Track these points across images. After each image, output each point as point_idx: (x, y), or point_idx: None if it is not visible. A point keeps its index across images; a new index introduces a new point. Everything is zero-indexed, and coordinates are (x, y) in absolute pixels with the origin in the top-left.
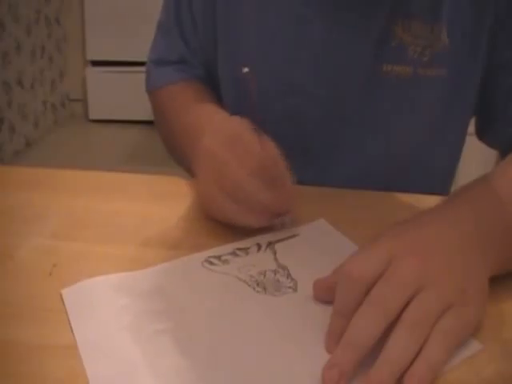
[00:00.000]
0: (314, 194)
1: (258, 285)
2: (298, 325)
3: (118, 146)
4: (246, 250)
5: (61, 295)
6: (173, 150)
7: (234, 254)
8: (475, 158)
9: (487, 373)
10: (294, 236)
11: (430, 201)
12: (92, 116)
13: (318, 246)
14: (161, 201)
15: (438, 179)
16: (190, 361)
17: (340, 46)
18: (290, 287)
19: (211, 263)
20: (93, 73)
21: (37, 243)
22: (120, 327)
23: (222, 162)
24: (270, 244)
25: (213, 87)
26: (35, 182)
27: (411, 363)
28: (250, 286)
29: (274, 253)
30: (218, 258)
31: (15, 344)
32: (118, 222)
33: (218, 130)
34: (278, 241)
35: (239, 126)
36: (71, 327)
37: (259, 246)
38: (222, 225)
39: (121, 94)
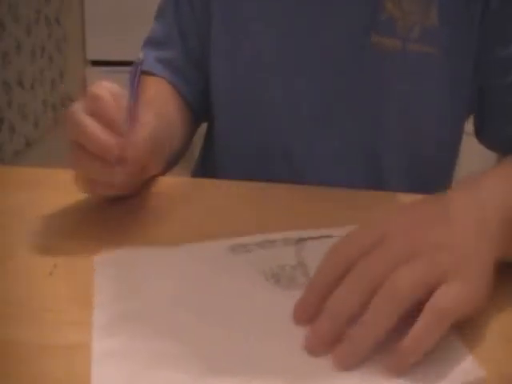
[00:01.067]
0: (314, 194)
1: (272, 276)
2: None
3: None
4: (273, 242)
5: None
6: None
7: (260, 245)
8: (475, 157)
9: (487, 373)
10: (326, 237)
11: None
12: None
13: None
14: (161, 201)
15: (437, 179)
16: (191, 346)
17: (330, 23)
18: (303, 284)
19: (234, 250)
20: (93, 73)
21: (37, 243)
22: (140, 309)
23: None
24: (299, 240)
25: (203, 89)
26: (35, 182)
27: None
28: (264, 276)
29: (301, 249)
30: (244, 246)
31: (15, 344)
32: (118, 221)
33: None
34: (310, 238)
35: (101, 87)
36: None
37: (287, 241)
38: (223, 224)
39: None
